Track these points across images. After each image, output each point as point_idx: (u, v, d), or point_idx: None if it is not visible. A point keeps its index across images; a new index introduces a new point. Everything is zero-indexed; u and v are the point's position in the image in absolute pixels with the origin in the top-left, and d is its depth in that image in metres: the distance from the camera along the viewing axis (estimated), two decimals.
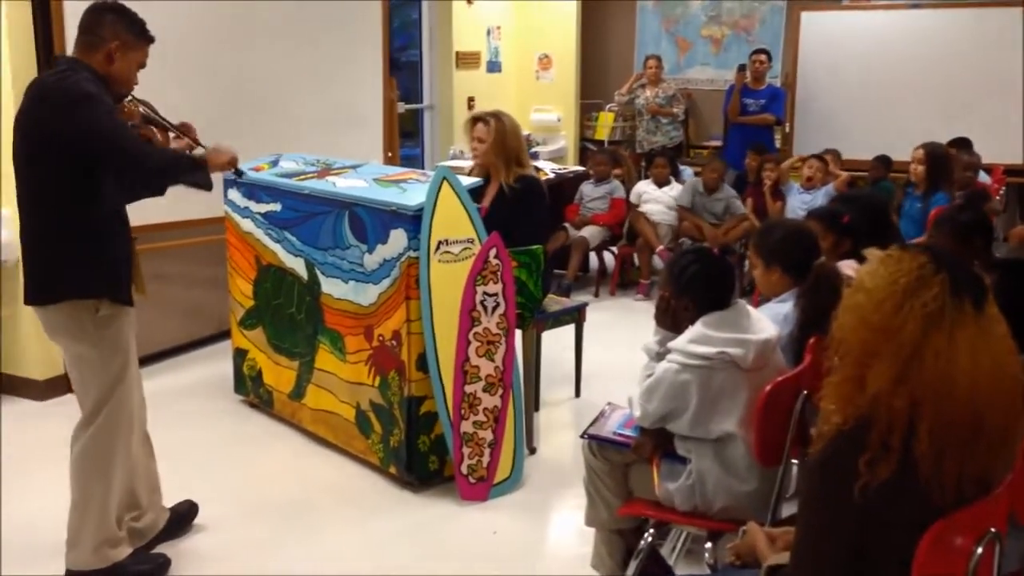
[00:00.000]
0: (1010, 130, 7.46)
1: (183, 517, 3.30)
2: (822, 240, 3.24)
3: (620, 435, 2.79)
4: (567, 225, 6.83)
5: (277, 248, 4.10)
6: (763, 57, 7.87)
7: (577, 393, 4.71)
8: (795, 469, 2.67)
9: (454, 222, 3.45)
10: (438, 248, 3.42)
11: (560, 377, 4.71)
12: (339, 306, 3.79)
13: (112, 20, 2.79)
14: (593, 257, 7.22)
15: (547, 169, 7.24)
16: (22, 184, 2.80)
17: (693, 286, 2.64)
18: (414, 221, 3.40)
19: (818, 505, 1.68)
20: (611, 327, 5.76)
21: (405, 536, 3.37)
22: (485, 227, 3.53)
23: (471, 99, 8.45)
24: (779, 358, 2.67)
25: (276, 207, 4.08)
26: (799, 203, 6.22)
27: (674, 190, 6.95)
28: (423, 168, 7.74)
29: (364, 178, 3.88)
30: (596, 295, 6.78)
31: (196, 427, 4.25)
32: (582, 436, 2.85)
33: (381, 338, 3.60)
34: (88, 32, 2.80)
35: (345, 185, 3.82)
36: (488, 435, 3.58)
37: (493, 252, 3.50)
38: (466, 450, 3.55)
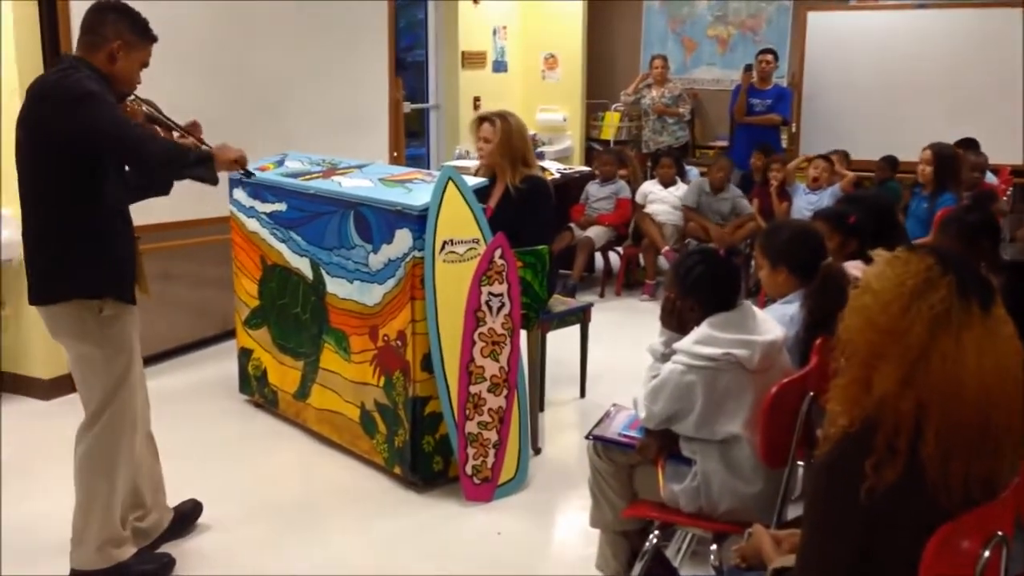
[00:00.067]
0: (1017, 131, 7.44)
1: (187, 516, 3.30)
2: (829, 241, 3.23)
3: (625, 436, 2.78)
4: (572, 225, 6.82)
5: (282, 248, 4.10)
6: (769, 57, 7.84)
7: (582, 394, 4.71)
8: (801, 471, 2.67)
9: (459, 222, 3.44)
10: (443, 248, 3.42)
11: (565, 377, 4.71)
12: (344, 306, 3.79)
13: (114, 19, 2.78)
14: (599, 257, 7.21)
15: (553, 169, 7.23)
16: (25, 183, 2.80)
17: (699, 287, 2.63)
18: (419, 221, 3.40)
19: (824, 507, 1.67)
20: (616, 328, 5.75)
21: (409, 537, 3.36)
22: (491, 227, 3.52)
23: (477, 99, 8.45)
24: (785, 359, 2.66)
25: (281, 207, 4.08)
26: (805, 204, 6.21)
27: (680, 190, 6.94)
28: (429, 168, 7.75)
29: (369, 178, 3.87)
30: (601, 295, 6.77)
31: (201, 427, 4.26)
32: (587, 437, 2.85)
33: (386, 338, 3.60)
34: (90, 31, 2.79)
35: (350, 185, 3.82)
36: (493, 436, 3.58)
37: (498, 252, 3.49)
38: (471, 451, 3.55)
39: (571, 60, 9.20)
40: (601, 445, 2.81)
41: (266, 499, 3.61)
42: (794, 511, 2.51)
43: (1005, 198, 6.60)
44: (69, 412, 3.22)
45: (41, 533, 3.20)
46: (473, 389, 3.52)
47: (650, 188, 7.03)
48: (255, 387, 4.44)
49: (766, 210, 6.60)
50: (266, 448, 4.09)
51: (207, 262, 5.17)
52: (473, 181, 3.65)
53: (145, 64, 2.88)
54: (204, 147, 2.94)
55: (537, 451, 4.00)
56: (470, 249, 3.47)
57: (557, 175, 7.07)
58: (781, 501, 2.50)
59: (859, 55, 8.07)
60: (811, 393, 2.44)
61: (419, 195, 3.50)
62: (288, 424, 4.26)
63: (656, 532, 2.68)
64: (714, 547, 2.63)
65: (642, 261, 6.93)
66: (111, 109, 2.72)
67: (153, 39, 2.87)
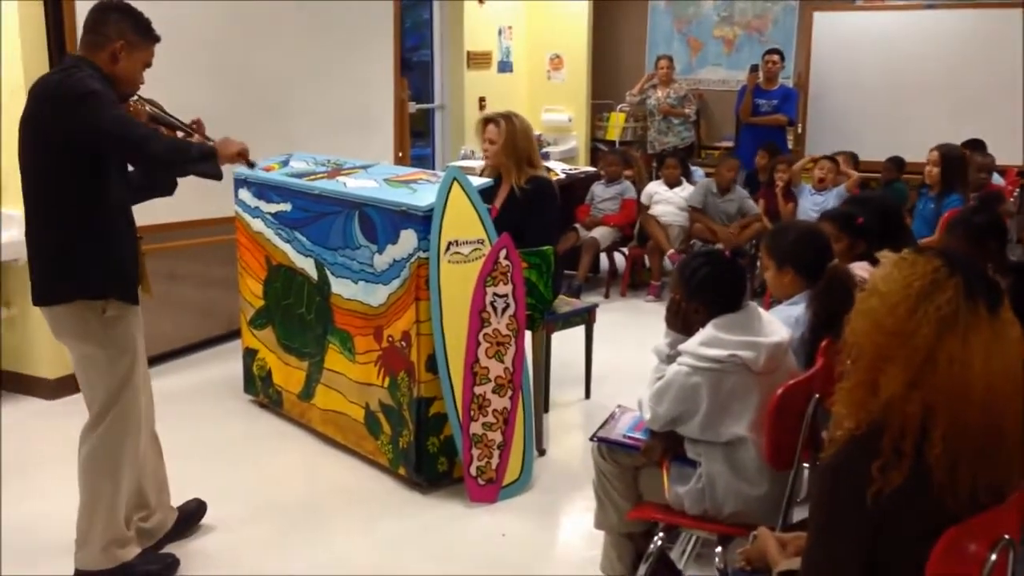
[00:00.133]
0: None
1: (191, 516, 3.30)
2: (835, 242, 3.22)
3: (630, 438, 2.77)
4: (578, 226, 6.82)
5: (287, 248, 4.10)
6: (775, 57, 7.83)
7: (587, 395, 4.70)
8: (806, 473, 2.66)
9: (464, 223, 3.44)
10: (448, 249, 3.41)
11: (570, 378, 4.70)
12: (349, 306, 3.78)
13: (117, 19, 2.78)
14: (604, 258, 7.20)
15: (558, 170, 7.24)
16: (28, 184, 2.79)
17: (704, 289, 2.63)
18: (424, 222, 3.39)
19: (830, 510, 1.66)
20: (621, 329, 5.74)
21: (413, 537, 3.36)
22: (496, 228, 3.52)
23: (482, 99, 8.44)
24: (791, 361, 2.65)
25: (286, 207, 4.08)
26: (811, 204, 6.19)
27: (685, 191, 6.93)
28: (434, 168, 7.75)
29: (374, 178, 3.87)
30: (606, 296, 6.76)
31: (205, 427, 4.26)
32: (592, 439, 2.84)
33: (391, 339, 3.59)
34: (93, 31, 2.79)
35: (355, 185, 3.82)
36: (497, 437, 3.57)
37: (503, 253, 3.48)
38: (475, 451, 3.54)
39: (576, 60, 9.20)
40: (606, 447, 2.80)
41: (270, 499, 3.61)
42: (800, 514, 2.50)
43: (1012, 199, 6.58)
44: (74, 412, 3.22)
45: (42, 533, 3.21)
46: (478, 390, 3.51)
47: (655, 189, 7.02)
48: (260, 387, 4.44)
49: (772, 211, 6.58)
50: (270, 448, 4.09)
51: (212, 262, 5.17)
52: (478, 181, 3.65)
53: (148, 64, 2.88)
54: (208, 142, 2.94)
55: (542, 452, 4.00)
56: (475, 250, 3.47)
57: (562, 176, 7.07)
58: (786, 503, 2.49)
59: (865, 55, 8.04)
60: (817, 395, 2.43)
61: (424, 195, 3.49)
62: (292, 424, 4.26)
63: (661, 534, 2.67)
64: (719, 549, 2.62)
65: (647, 262, 6.92)
66: (113, 108, 2.71)
67: (156, 39, 2.86)
